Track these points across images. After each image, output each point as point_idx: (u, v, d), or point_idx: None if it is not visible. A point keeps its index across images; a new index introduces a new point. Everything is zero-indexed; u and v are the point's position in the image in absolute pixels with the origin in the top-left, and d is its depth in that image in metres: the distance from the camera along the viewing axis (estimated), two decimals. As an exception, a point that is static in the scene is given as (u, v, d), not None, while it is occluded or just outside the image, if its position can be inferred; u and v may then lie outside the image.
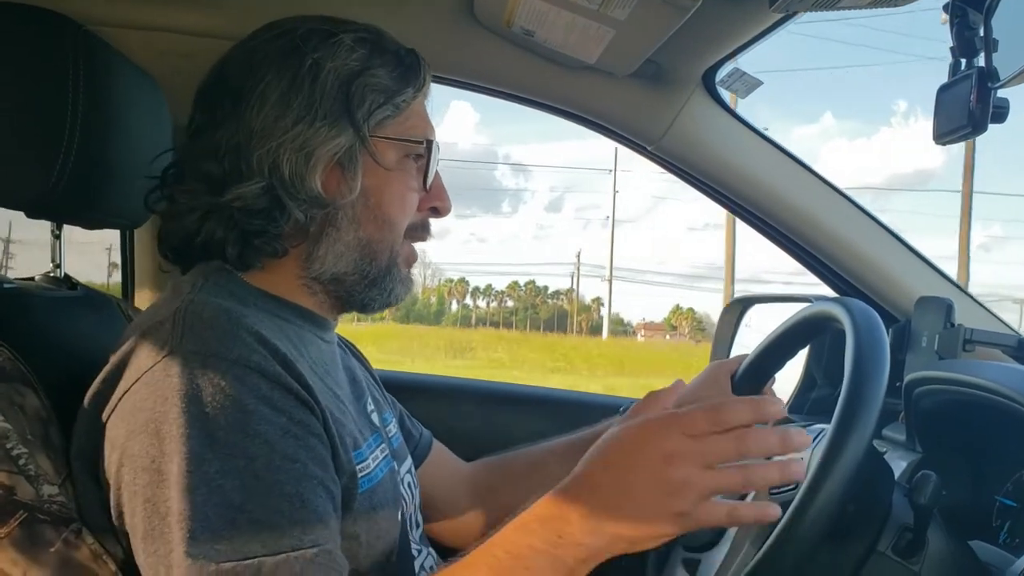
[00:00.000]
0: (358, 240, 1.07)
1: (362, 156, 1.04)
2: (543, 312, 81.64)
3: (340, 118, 1.02)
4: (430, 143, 1.10)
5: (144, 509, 0.86)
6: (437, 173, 1.14)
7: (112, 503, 0.91)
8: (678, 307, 71.23)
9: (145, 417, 0.87)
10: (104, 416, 0.92)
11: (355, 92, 1.03)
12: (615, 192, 46.71)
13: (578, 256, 72.00)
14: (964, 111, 0.96)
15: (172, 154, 1.14)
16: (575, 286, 73.93)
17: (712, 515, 0.83)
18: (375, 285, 1.10)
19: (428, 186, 1.12)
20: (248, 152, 1.01)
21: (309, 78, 1.02)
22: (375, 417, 1.20)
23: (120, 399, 0.91)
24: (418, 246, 1.16)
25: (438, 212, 1.16)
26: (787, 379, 1.79)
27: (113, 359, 0.94)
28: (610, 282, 49.71)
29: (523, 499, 1.39)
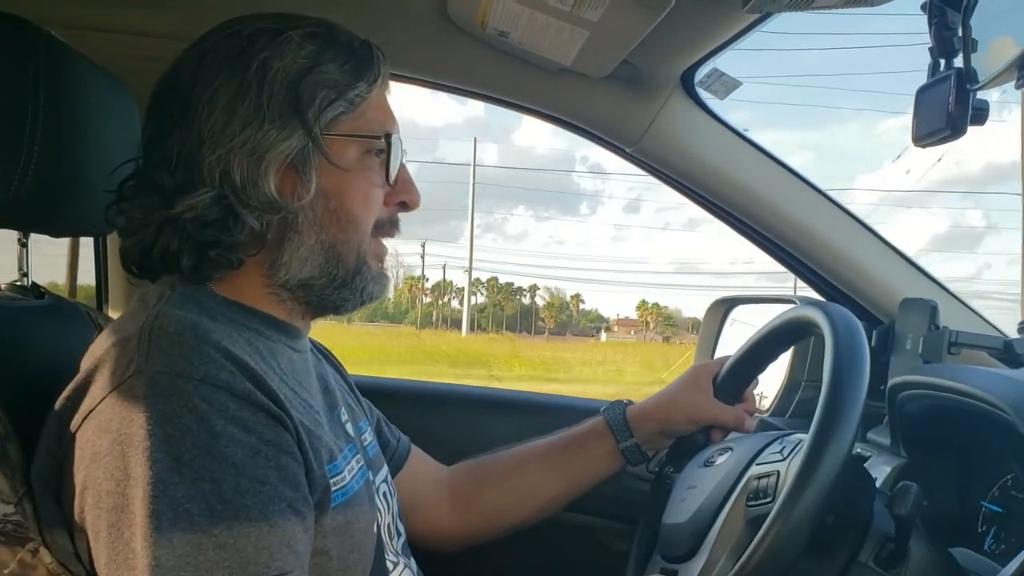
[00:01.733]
0: (321, 243, 1.04)
1: (316, 157, 1.01)
2: (508, 309, 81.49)
3: (290, 119, 0.99)
4: (389, 136, 1.07)
5: (108, 534, 0.84)
6: (403, 166, 1.11)
7: (75, 525, 0.88)
8: (643, 302, 70.70)
9: (110, 439, 0.85)
10: (67, 435, 0.90)
11: (304, 90, 1.00)
12: (472, 189, 46.77)
13: (423, 246, 74.46)
14: (943, 113, 0.95)
15: (133, 164, 1.11)
16: (423, 276, 76.15)
17: None
18: (345, 286, 1.07)
19: (392, 181, 1.09)
20: (199, 160, 0.98)
21: (256, 79, 0.99)
22: (349, 427, 1.18)
23: (84, 418, 0.88)
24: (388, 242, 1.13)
25: (406, 206, 1.13)
26: (772, 380, 1.78)
27: (78, 375, 0.92)
28: (469, 273, 51.57)
29: (505, 500, 1.40)
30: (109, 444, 0.85)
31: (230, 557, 0.83)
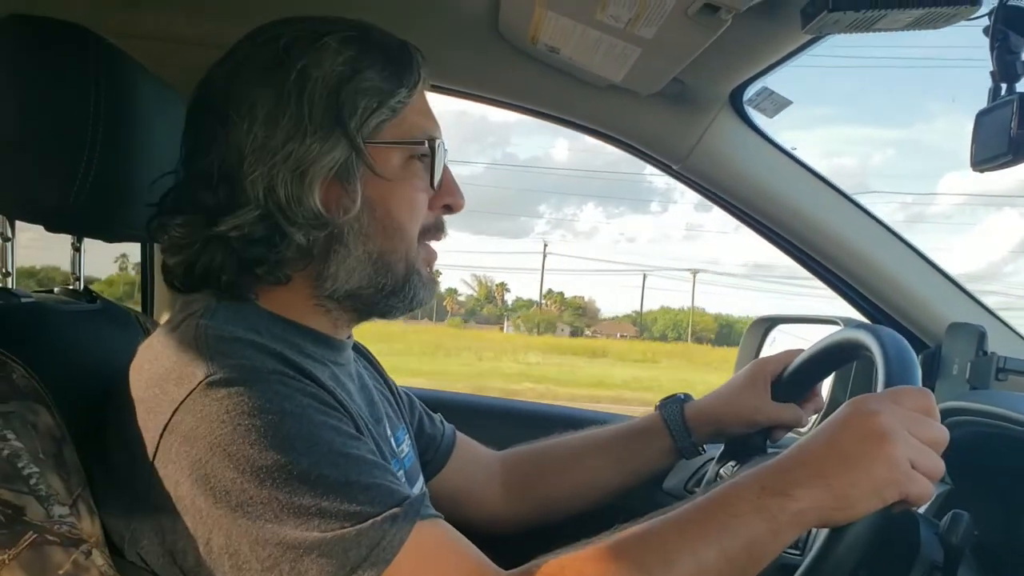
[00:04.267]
0: (368, 254, 1.02)
1: (360, 167, 0.99)
2: (487, 310, 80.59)
3: (332, 130, 0.97)
4: (433, 141, 1.05)
5: (245, 532, 0.84)
6: (446, 168, 1.09)
7: (168, 536, 0.89)
8: (550, 291, 67.19)
9: (206, 446, 0.85)
10: (146, 458, 0.89)
11: (346, 100, 0.98)
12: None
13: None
14: (1004, 138, 0.94)
15: (173, 176, 1.10)
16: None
17: (920, 486, 0.86)
18: (395, 294, 1.06)
19: (436, 185, 1.06)
20: (241, 177, 0.97)
21: (296, 90, 0.97)
22: (393, 440, 1.18)
23: (161, 436, 0.88)
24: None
25: (451, 209, 1.11)
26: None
27: (138, 389, 0.93)
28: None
29: (561, 490, 1.39)
30: (207, 450, 0.85)
31: (374, 492, 0.86)
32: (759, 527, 0.85)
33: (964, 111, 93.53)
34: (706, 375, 22.41)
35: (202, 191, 0.99)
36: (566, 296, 66.75)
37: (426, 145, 1.04)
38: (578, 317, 63.70)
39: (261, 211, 0.97)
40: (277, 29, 1.02)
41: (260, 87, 0.97)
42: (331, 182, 0.99)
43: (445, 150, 1.08)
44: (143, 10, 1.58)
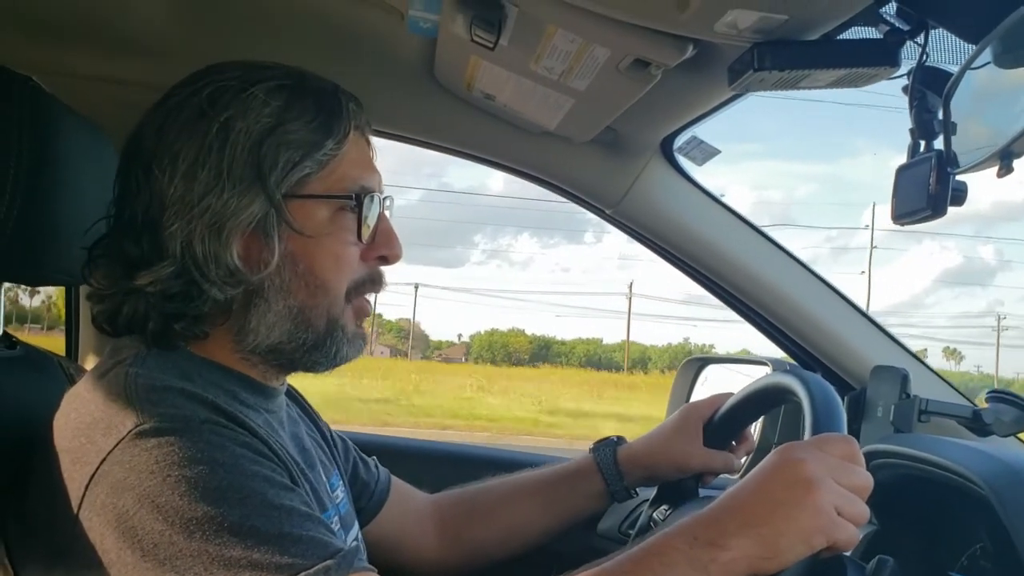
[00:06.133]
0: (289, 309, 1.00)
1: (280, 223, 0.98)
2: None
3: (251, 184, 0.95)
4: (361, 195, 1.02)
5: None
6: (383, 217, 1.07)
7: None
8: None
9: (134, 497, 0.83)
10: (70, 510, 0.86)
11: (267, 153, 0.96)
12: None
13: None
14: (923, 193, 0.97)
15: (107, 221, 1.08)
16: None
17: (846, 533, 0.88)
18: (317, 349, 1.04)
19: (364, 239, 1.04)
20: (160, 229, 0.96)
21: (218, 144, 0.95)
22: (327, 487, 1.16)
23: (87, 487, 0.85)
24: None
25: (387, 260, 1.08)
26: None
27: (59, 442, 0.90)
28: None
29: (492, 535, 1.39)
30: (135, 502, 0.83)
31: (305, 544, 0.84)
32: None
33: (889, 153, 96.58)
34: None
35: (127, 241, 0.98)
36: (386, 318, 67.36)
37: (354, 200, 1.02)
38: (401, 340, 63.83)
39: (177, 267, 0.95)
40: (208, 76, 1.01)
41: (184, 138, 0.96)
42: (251, 235, 0.98)
43: (382, 199, 1.06)
44: (75, 48, 1.55)
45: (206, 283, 0.96)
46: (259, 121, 0.97)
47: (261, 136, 0.96)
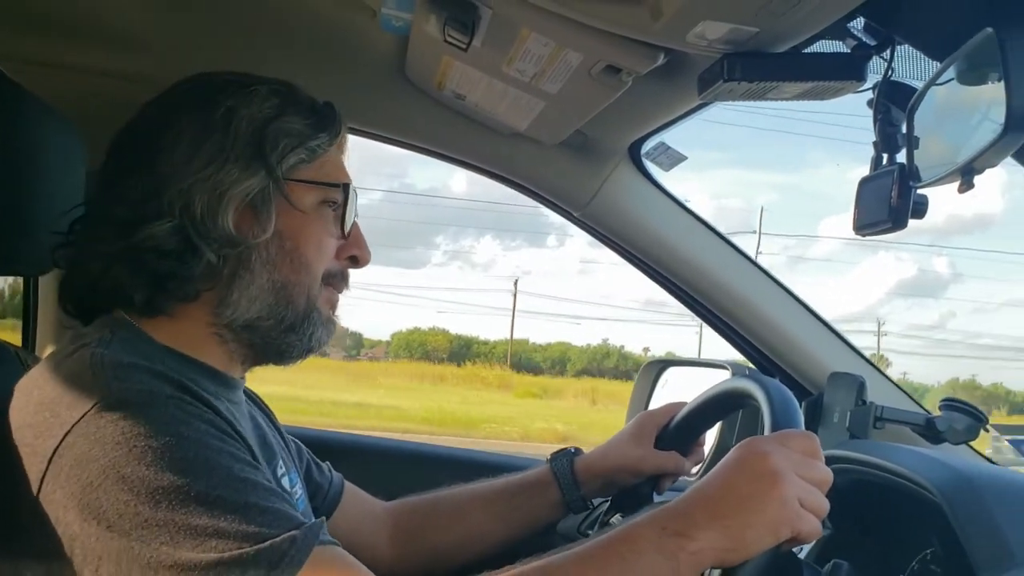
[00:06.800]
0: (272, 283, 1.05)
1: (276, 198, 1.03)
2: None
3: (253, 160, 1.02)
4: (347, 187, 1.10)
5: (137, 556, 0.82)
6: (356, 224, 1.13)
7: (55, 570, 0.86)
8: None
9: (97, 468, 0.83)
10: (31, 486, 0.86)
11: (268, 135, 1.03)
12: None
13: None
14: (885, 206, 0.99)
15: (82, 206, 1.10)
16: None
17: (809, 524, 0.90)
18: (293, 330, 1.07)
19: (346, 232, 1.11)
20: (160, 194, 1.00)
21: (222, 124, 1.02)
22: (285, 481, 1.17)
23: (50, 461, 0.86)
24: None
25: (357, 261, 1.14)
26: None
27: (25, 413, 0.90)
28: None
29: (448, 543, 1.39)
30: (99, 473, 0.83)
31: (272, 517, 0.85)
32: (660, 565, 0.87)
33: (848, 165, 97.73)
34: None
35: (119, 207, 1.01)
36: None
37: (340, 190, 1.09)
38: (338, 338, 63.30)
39: (176, 224, 0.99)
40: (211, 75, 1.08)
41: (188, 118, 1.02)
42: (246, 208, 1.02)
43: (356, 208, 1.13)
44: (43, 38, 1.52)
45: (201, 241, 1.00)
46: (262, 110, 1.04)
47: (263, 122, 1.03)
